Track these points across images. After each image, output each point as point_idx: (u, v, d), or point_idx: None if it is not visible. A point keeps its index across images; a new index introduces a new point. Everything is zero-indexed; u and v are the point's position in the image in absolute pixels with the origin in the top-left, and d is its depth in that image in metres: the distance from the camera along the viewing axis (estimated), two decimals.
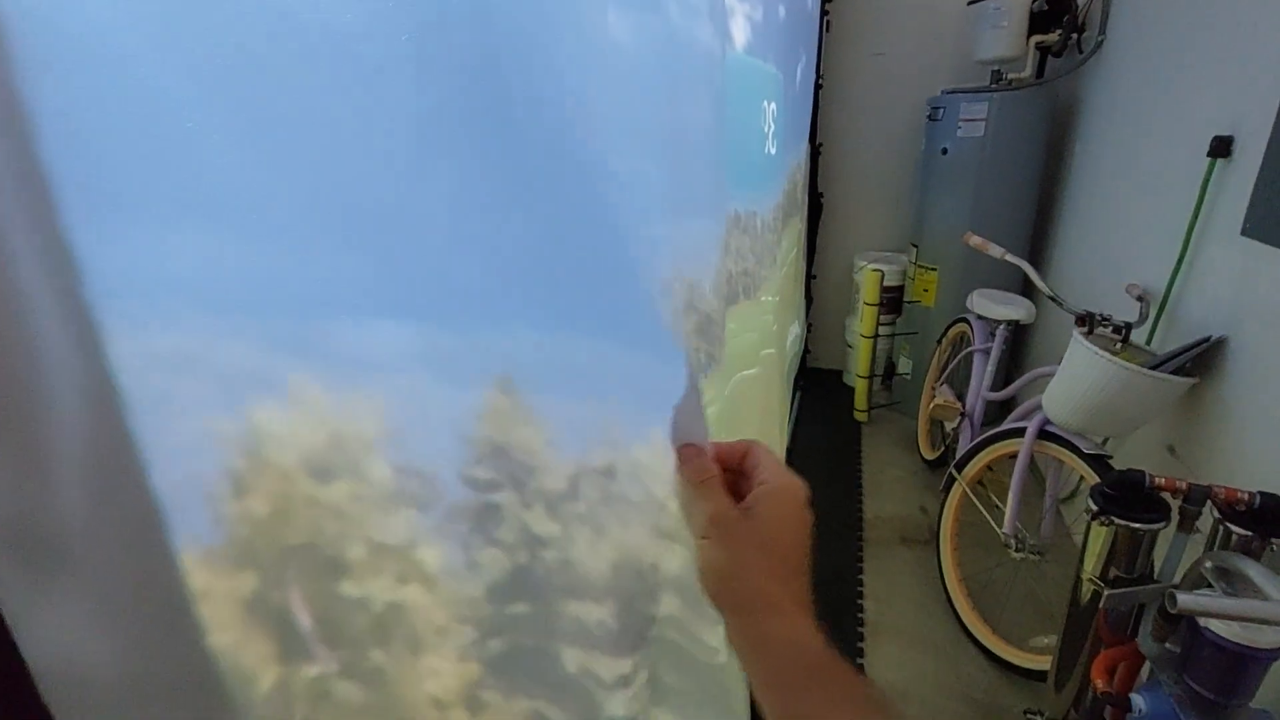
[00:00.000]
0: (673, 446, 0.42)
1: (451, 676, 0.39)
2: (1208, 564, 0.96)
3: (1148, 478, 1.13)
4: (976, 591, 1.92)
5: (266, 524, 0.29)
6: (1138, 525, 1.15)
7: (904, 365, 3.15)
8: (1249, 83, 1.49)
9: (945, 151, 2.71)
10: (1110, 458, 1.55)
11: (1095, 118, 2.42)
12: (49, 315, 0.21)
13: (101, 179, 0.22)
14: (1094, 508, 1.19)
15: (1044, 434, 1.69)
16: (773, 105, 1.49)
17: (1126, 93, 2.16)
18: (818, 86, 2.94)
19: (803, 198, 2.61)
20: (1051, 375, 1.66)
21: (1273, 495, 1.02)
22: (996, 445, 1.84)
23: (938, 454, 2.65)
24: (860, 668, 1.78)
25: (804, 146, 2.52)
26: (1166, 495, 1.15)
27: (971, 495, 1.92)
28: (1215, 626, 0.90)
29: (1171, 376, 1.45)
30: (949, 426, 2.45)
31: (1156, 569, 1.19)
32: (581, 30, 0.33)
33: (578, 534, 0.44)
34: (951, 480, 1.95)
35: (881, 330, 2.94)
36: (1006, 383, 2.24)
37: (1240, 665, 0.90)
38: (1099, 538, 1.20)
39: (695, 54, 0.54)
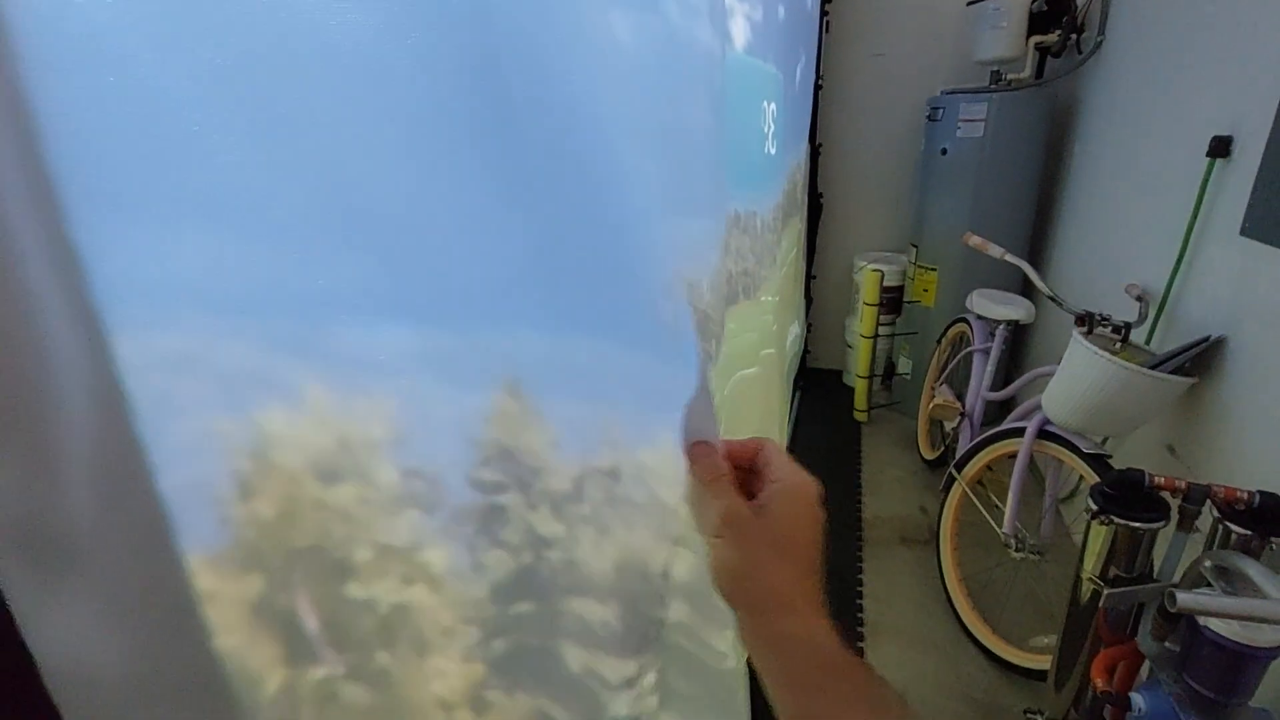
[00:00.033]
0: (683, 445, 0.41)
1: (457, 677, 0.39)
2: (1207, 563, 0.96)
3: (1147, 477, 1.13)
4: (976, 591, 1.92)
5: (273, 527, 0.29)
6: (1137, 524, 1.15)
7: (904, 365, 3.16)
8: (1248, 83, 1.49)
9: (945, 152, 2.71)
10: (1110, 457, 1.55)
11: (1094, 118, 2.43)
12: (57, 316, 0.21)
13: (105, 180, 0.23)
14: (1094, 507, 1.19)
15: (1044, 434, 1.69)
16: (772, 105, 1.49)
17: (1126, 93, 2.17)
18: (817, 87, 2.94)
19: (802, 198, 2.61)
20: (1051, 375, 1.66)
21: (1272, 494, 1.02)
22: (996, 445, 1.84)
23: (937, 454, 2.65)
24: None
25: (804, 147, 2.52)
26: (1166, 494, 1.15)
27: (971, 495, 1.92)
28: (1215, 625, 0.91)
29: (1171, 376, 1.45)
30: (949, 426, 2.45)
31: (1156, 568, 1.19)
32: (583, 30, 0.33)
33: (582, 535, 0.44)
34: (951, 480, 1.95)
35: (881, 330, 2.95)
36: (1006, 383, 2.24)
37: (1240, 664, 0.91)
38: (1099, 537, 1.20)
39: (695, 54, 0.54)
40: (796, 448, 2.82)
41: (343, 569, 0.33)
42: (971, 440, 1.99)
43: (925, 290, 2.92)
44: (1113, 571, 1.20)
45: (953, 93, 2.69)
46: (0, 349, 0.20)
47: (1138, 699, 1.05)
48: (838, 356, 3.54)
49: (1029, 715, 1.48)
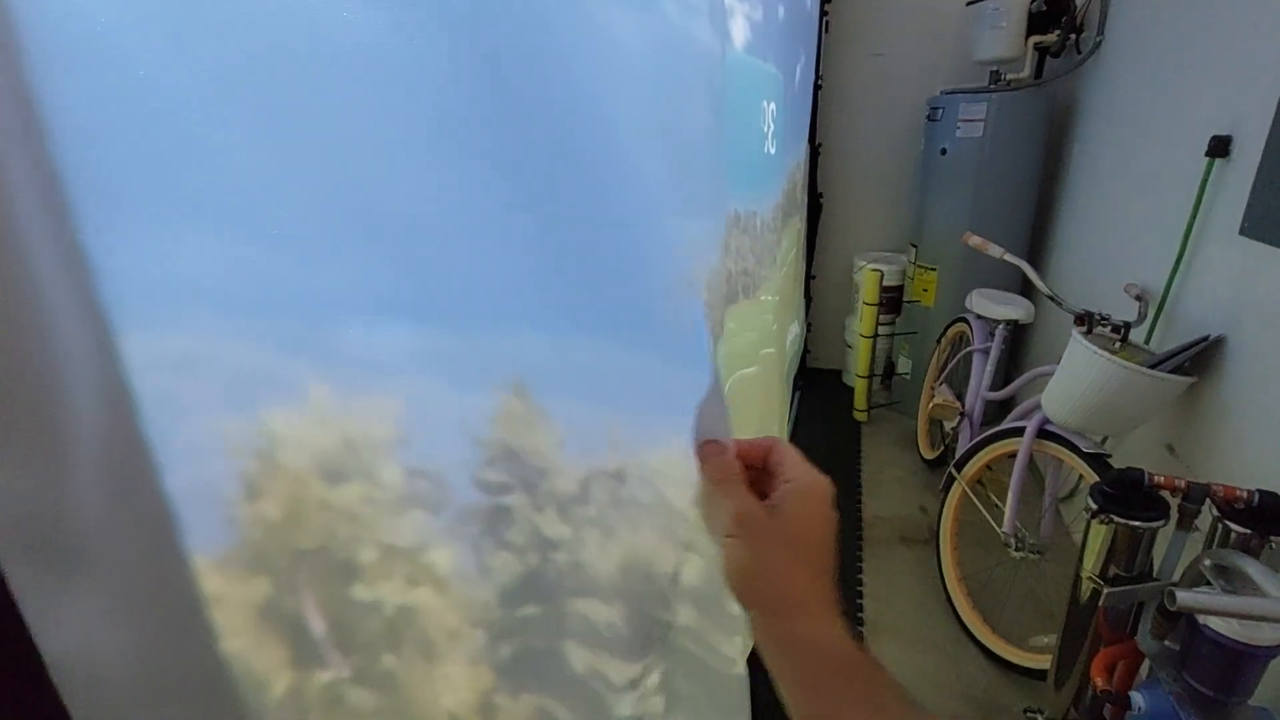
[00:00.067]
0: (694, 444, 0.41)
1: (463, 680, 0.39)
2: (1207, 562, 0.96)
3: (1147, 476, 1.13)
4: (976, 591, 1.92)
5: (279, 527, 0.29)
6: (1137, 523, 1.15)
7: (903, 365, 3.16)
8: (1247, 83, 1.49)
9: (944, 152, 2.71)
10: (1109, 456, 1.56)
11: (1094, 118, 2.43)
12: (66, 315, 0.21)
13: (113, 180, 0.23)
14: (1093, 506, 1.19)
15: (1043, 433, 1.69)
16: (772, 105, 1.49)
17: (1125, 93, 2.17)
18: (817, 87, 2.94)
19: (802, 198, 2.62)
20: (1050, 375, 1.66)
21: (1271, 493, 1.02)
22: (996, 444, 1.84)
23: (937, 453, 2.65)
24: None
25: (803, 146, 2.53)
26: (1166, 493, 1.15)
27: (971, 494, 1.92)
28: (1214, 624, 0.91)
29: (1170, 375, 1.45)
30: (948, 426, 2.45)
31: (1156, 567, 1.19)
32: (586, 31, 0.33)
33: (588, 537, 0.44)
34: (951, 479, 1.95)
35: (881, 330, 2.95)
36: (1006, 382, 2.24)
37: (1239, 662, 0.91)
38: (1098, 536, 1.20)
39: (695, 53, 0.54)
40: (796, 447, 2.82)
41: (348, 570, 0.33)
42: (971, 440, 1.99)
43: (925, 290, 2.93)
44: (1112, 570, 1.20)
45: (952, 93, 2.70)
46: (10, 346, 0.20)
47: (1138, 698, 1.05)
48: (837, 356, 3.55)
49: (1029, 714, 1.49)
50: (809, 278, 3.37)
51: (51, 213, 0.21)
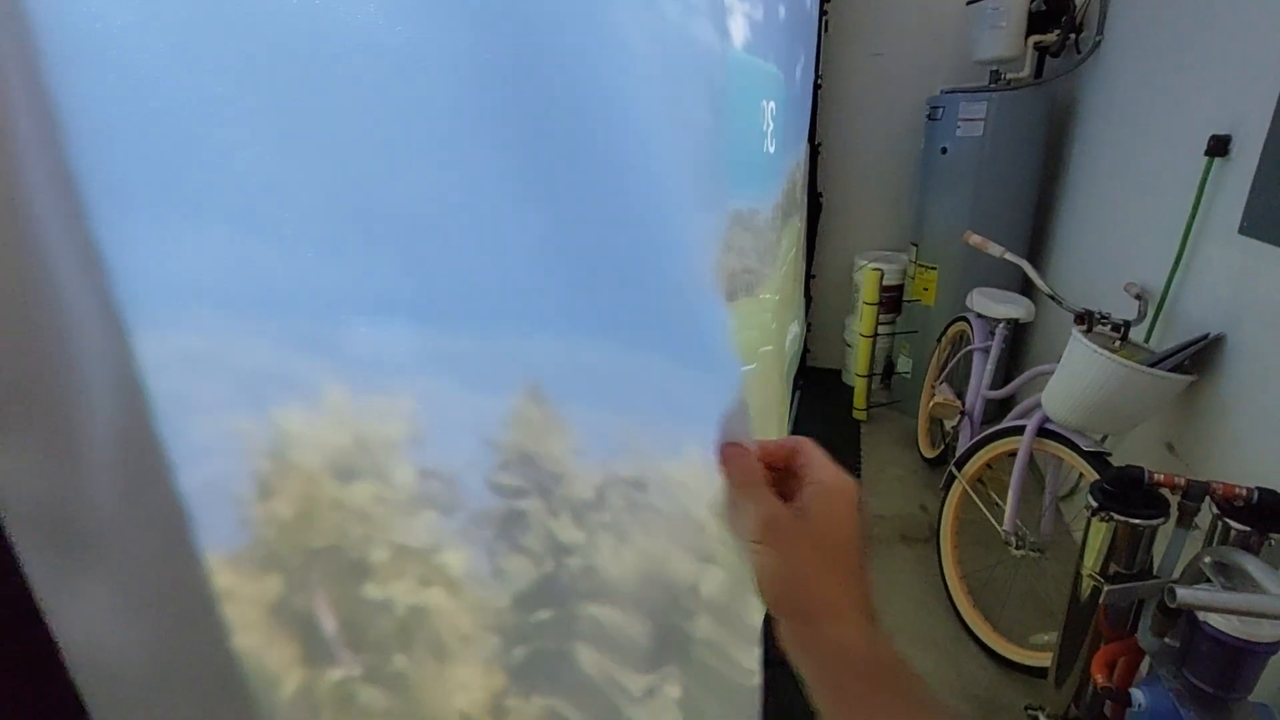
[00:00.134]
0: (716, 447, 0.40)
1: (476, 681, 0.39)
2: (1207, 559, 0.96)
3: (1147, 474, 1.13)
4: (977, 589, 1.93)
5: (292, 526, 0.29)
6: (1137, 521, 1.16)
7: (903, 364, 3.16)
8: (1246, 82, 1.50)
9: (944, 151, 2.71)
10: (1109, 455, 1.56)
11: (1093, 117, 2.43)
12: (82, 312, 0.22)
13: (127, 179, 0.23)
14: (1094, 504, 1.19)
15: (1043, 432, 1.70)
16: (772, 104, 1.49)
17: (1124, 92, 2.17)
18: (817, 86, 2.95)
19: (802, 197, 2.62)
20: (1051, 373, 1.66)
21: (1271, 491, 1.02)
22: (996, 443, 1.84)
23: (937, 452, 2.66)
24: None
25: (803, 146, 2.53)
26: (1165, 491, 1.15)
27: (971, 493, 1.92)
28: (1214, 621, 0.91)
29: (1170, 374, 1.46)
30: (949, 425, 2.46)
31: (1156, 564, 1.20)
32: (594, 29, 0.33)
33: (604, 543, 0.43)
34: (951, 478, 1.96)
35: (881, 329, 2.95)
36: (1006, 381, 2.25)
37: (1239, 659, 0.91)
38: (1099, 534, 1.20)
39: (696, 52, 0.54)
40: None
41: (360, 569, 0.33)
42: (971, 438, 2.00)
43: (925, 289, 2.93)
44: (1113, 568, 1.20)
45: (952, 92, 2.70)
46: (27, 345, 0.20)
47: (1138, 695, 1.05)
48: (837, 355, 3.55)
49: (1030, 712, 1.49)
50: (809, 277, 3.37)
51: (68, 213, 0.21)
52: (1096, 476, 1.49)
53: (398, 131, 0.28)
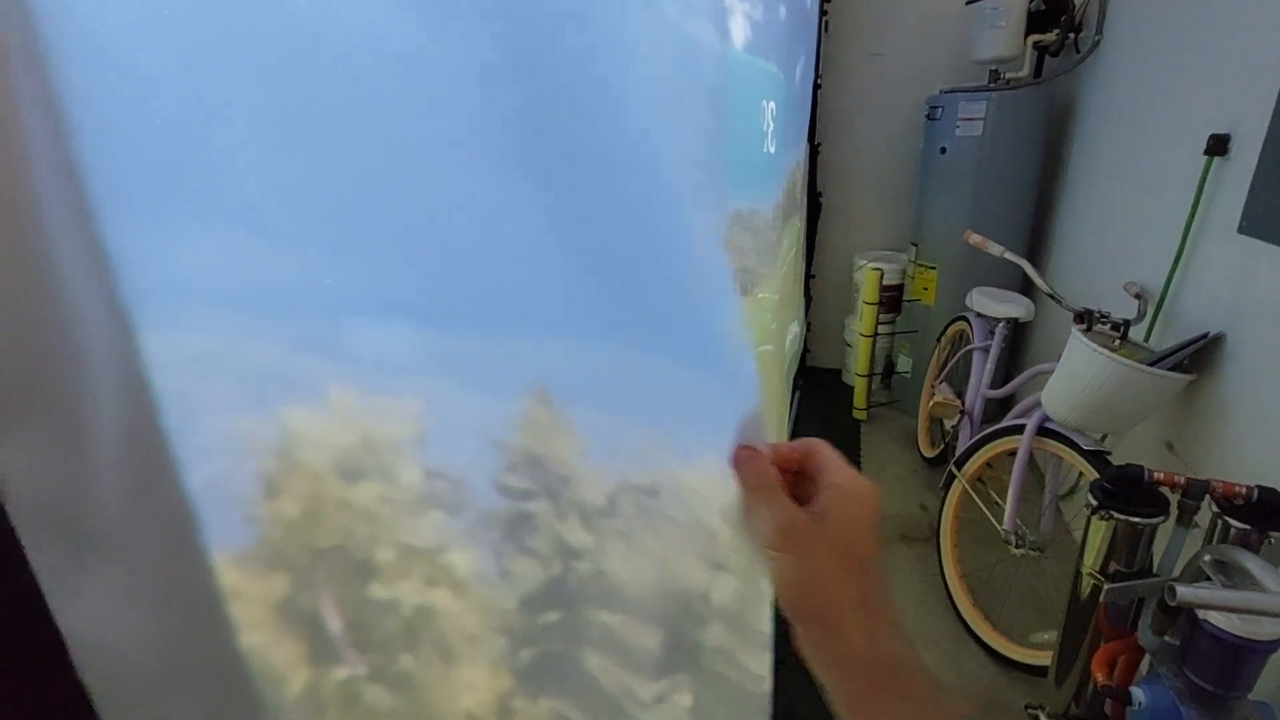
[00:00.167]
0: (728, 451, 0.39)
1: (482, 682, 0.39)
2: (1206, 557, 0.97)
3: (1147, 472, 1.13)
4: (977, 588, 1.93)
5: (298, 526, 0.29)
6: (1137, 520, 1.16)
7: (903, 364, 3.16)
8: (1245, 81, 1.50)
9: (944, 151, 2.72)
10: (1109, 454, 1.56)
11: (1093, 117, 2.44)
12: (90, 310, 0.22)
13: (134, 179, 0.23)
14: (1094, 503, 1.20)
15: (1043, 431, 1.70)
16: (772, 104, 1.49)
17: (1123, 92, 2.18)
18: (816, 86, 2.95)
19: (802, 197, 2.62)
20: (1050, 372, 1.67)
21: (1270, 489, 1.03)
22: (996, 442, 1.85)
23: (937, 452, 2.66)
24: None
25: (803, 146, 2.53)
26: (1165, 490, 1.16)
27: (971, 492, 1.93)
28: (1214, 619, 0.91)
29: (1169, 373, 1.46)
30: (948, 424, 2.46)
31: (1155, 563, 1.20)
32: (600, 30, 0.33)
33: (615, 549, 0.43)
34: (951, 477, 1.96)
35: (881, 329, 2.95)
36: (1006, 380, 2.25)
37: (1239, 657, 0.91)
38: (1098, 532, 1.21)
39: (696, 51, 0.54)
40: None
41: (366, 569, 0.33)
42: (971, 438, 2.00)
43: (925, 289, 2.93)
44: (1113, 567, 1.20)
45: (951, 92, 2.70)
46: (34, 343, 0.20)
47: (1138, 693, 1.05)
48: (837, 355, 3.55)
49: (1030, 711, 1.49)
50: (809, 277, 3.37)
51: (75, 212, 0.21)
52: (1096, 475, 1.49)
53: (402, 132, 0.29)
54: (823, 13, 2.85)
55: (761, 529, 0.36)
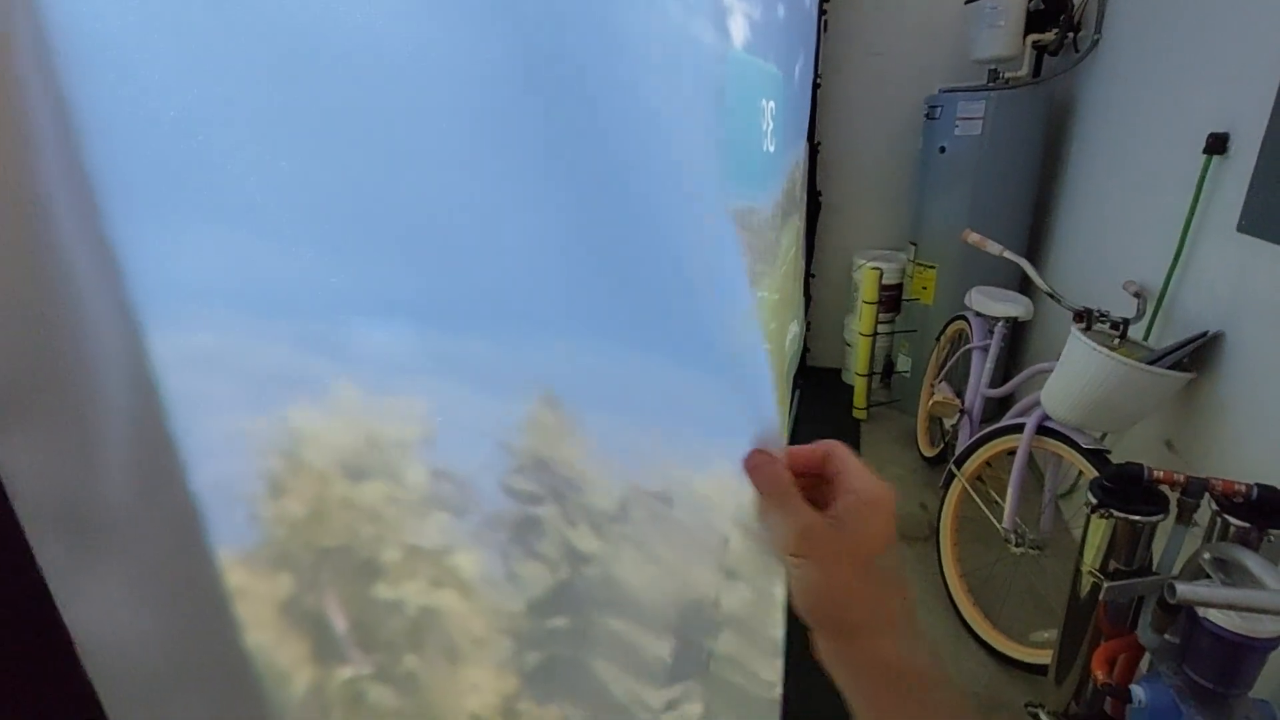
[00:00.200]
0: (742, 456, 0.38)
1: (488, 683, 0.39)
2: (1206, 555, 0.97)
3: (1146, 471, 1.14)
4: (976, 587, 1.93)
5: (303, 525, 0.30)
6: (1137, 518, 1.16)
7: (903, 363, 3.16)
8: (1244, 80, 1.50)
9: (943, 150, 2.72)
10: (1109, 452, 1.56)
11: (1092, 116, 2.44)
12: (98, 315, 0.22)
13: (141, 181, 0.23)
14: (1093, 501, 1.20)
15: (1043, 429, 1.70)
16: (772, 103, 1.49)
17: (1122, 91, 2.18)
18: (816, 86, 2.95)
19: (801, 196, 2.62)
20: (1050, 371, 1.67)
21: (1270, 487, 1.03)
22: (995, 441, 1.85)
23: (937, 451, 2.66)
24: None
25: (802, 145, 2.53)
26: (1165, 488, 1.16)
27: (971, 491, 1.93)
28: (1214, 617, 0.91)
29: (1169, 371, 1.46)
30: (948, 423, 2.46)
31: (1155, 561, 1.20)
32: (605, 31, 0.33)
33: (625, 555, 0.42)
34: (951, 476, 1.96)
35: (880, 328, 2.95)
36: (1005, 379, 2.25)
37: (1239, 655, 0.91)
38: (1098, 531, 1.21)
39: (699, 51, 0.54)
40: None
41: (371, 569, 0.33)
42: (971, 437, 2.00)
43: (924, 288, 2.93)
44: (1112, 565, 1.20)
45: (950, 91, 2.70)
46: (44, 339, 0.20)
47: (1138, 691, 1.05)
48: (837, 355, 3.55)
49: (1030, 709, 1.49)
50: (808, 276, 3.37)
51: (83, 213, 0.21)
52: (1096, 474, 1.49)
53: (405, 133, 0.29)
54: (822, 12, 2.85)
55: (780, 535, 0.36)
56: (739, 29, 1.19)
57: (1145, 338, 1.78)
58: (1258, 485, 1.03)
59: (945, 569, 1.98)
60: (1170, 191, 1.74)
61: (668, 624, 0.45)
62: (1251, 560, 0.91)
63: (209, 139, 0.24)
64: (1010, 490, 1.78)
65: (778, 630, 0.46)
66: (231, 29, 0.24)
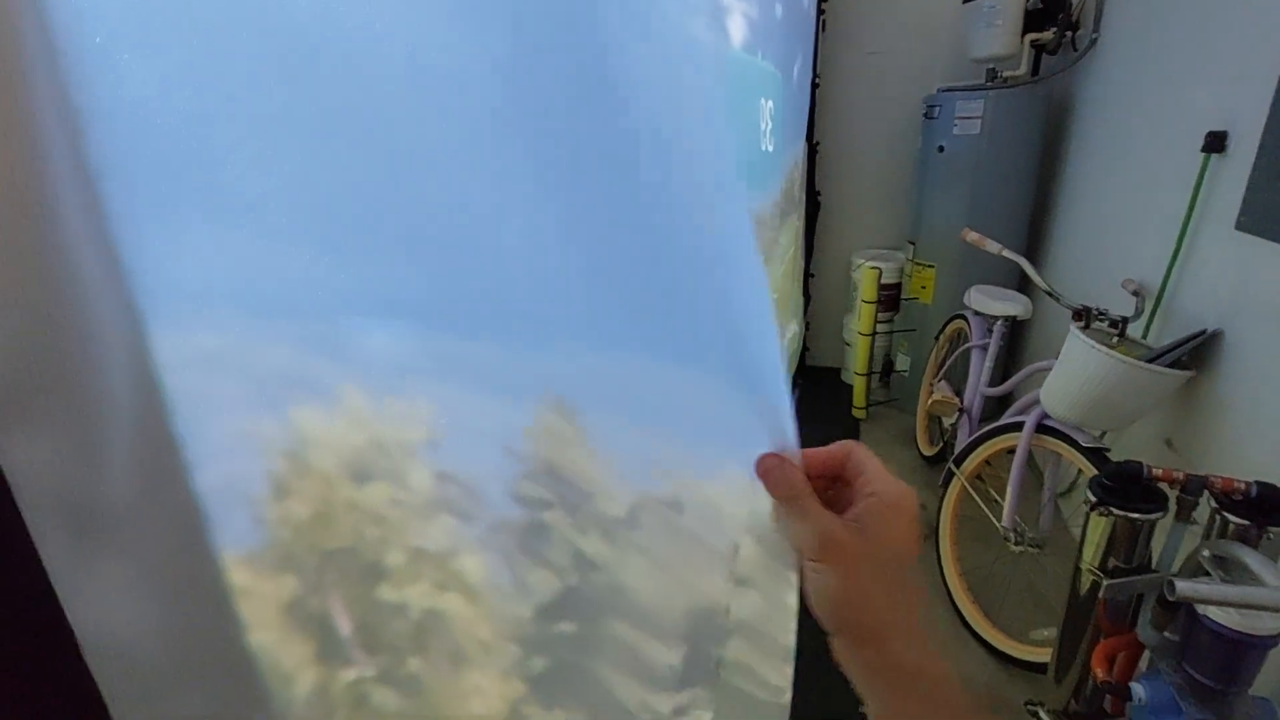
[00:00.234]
0: (755, 460, 0.37)
1: (492, 688, 0.39)
2: (1205, 553, 0.97)
3: (1146, 468, 1.14)
4: (976, 585, 1.93)
5: (307, 527, 0.30)
6: (1136, 515, 1.16)
7: (902, 362, 3.17)
8: (1242, 78, 1.50)
9: (942, 149, 2.72)
10: (1108, 451, 1.57)
11: (1090, 114, 2.44)
12: (104, 311, 0.22)
13: (147, 181, 0.23)
14: (1093, 499, 1.20)
15: (1042, 428, 1.70)
16: (770, 103, 1.50)
17: (1121, 89, 2.18)
18: (814, 85, 2.95)
19: (800, 196, 2.62)
20: (1049, 370, 1.67)
21: (1269, 484, 1.03)
22: (995, 440, 1.85)
23: (936, 450, 2.66)
24: None
25: (801, 145, 2.53)
26: (1164, 486, 1.16)
27: (970, 490, 1.93)
28: (1214, 614, 0.91)
29: (1168, 369, 1.46)
30: (947, 422, 2.46)
31: (1155, 559, 1.20)
32: (601, 30, 0.33)
33: (634, 562, 0.42)
34: (950, 475, 1.96)
35: (879, 327, 2.96)
36: (1004, 378, 2.25)
37: (1239, 652, 0.92)
38: (1098, 528, 1.21)
39: (700, 51, 0.54)
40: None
41: (375, 571, 0.33)
42: (970, 436, 2.00)
43: (923, 287, 2.93)
44: (1112, 562, 1.20)
45: (949, 90, 2.70)
46: (49, 339, 0.20)
47: (1138, 688, 1.06)
48: (836, 354, 3.55)
49: (1030, 707, 1.49)
50: (807, 276, 3.37)
51: (90, 214, 0.21)
52: (1095, 472, 1.49)
53: (408, 133, 0.29)
54: (820, 11, 2.85)
55: (799, 539, 0.36)
56: (737, 28, 1.19)
57: (1144, 336, 1.79)
58: (1257, 483, 1.04)
59: (945, 567, 1.98)
60: (1169, 190, 1.74)
61: (677, 631, 0.45)
62: (1251, 557, 0.91)
63: (212, 139, 0.24)
64: (1009, 489, 1.78)
65: (790, 637, 0.46)
66: (233, 30, 0.24)
